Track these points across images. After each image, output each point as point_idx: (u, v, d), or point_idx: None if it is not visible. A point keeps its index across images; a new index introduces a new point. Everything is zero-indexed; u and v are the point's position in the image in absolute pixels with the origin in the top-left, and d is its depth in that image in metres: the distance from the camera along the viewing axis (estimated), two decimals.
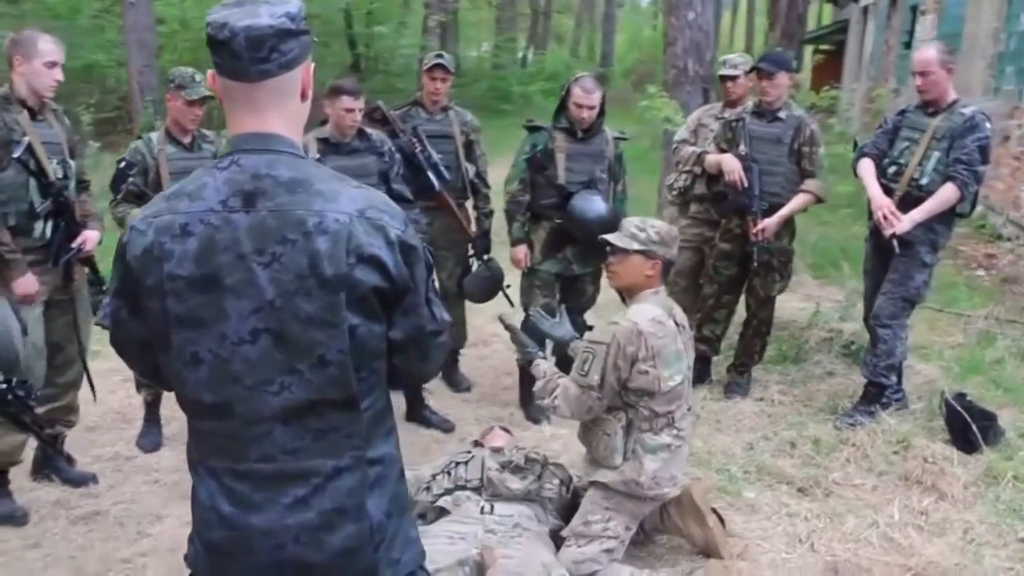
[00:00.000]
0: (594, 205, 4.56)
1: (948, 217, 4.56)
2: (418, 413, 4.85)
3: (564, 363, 3.99)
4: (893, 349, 4.67)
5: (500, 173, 4.88)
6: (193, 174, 1.68)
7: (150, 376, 1.82)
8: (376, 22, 22.08)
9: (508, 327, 3.78)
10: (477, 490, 3.50)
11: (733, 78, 5.36)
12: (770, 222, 4.83)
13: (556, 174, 4.64)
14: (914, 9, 15.26)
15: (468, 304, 5.26)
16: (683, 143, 5.46)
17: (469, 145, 5.10)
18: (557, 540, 3.43)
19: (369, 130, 4.42)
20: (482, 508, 3.38)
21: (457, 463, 3.63)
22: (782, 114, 4.91)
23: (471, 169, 5.08)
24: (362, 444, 1.69)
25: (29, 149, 3.53)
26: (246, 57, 1.58)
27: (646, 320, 3.25)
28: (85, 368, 3.99)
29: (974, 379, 5.26)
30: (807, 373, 5.45)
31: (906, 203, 4.50)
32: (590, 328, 4.58)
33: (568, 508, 3.58)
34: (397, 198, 4.28)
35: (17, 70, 3.58)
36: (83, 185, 4.03)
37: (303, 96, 1.69)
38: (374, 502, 1.70)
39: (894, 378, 4.80)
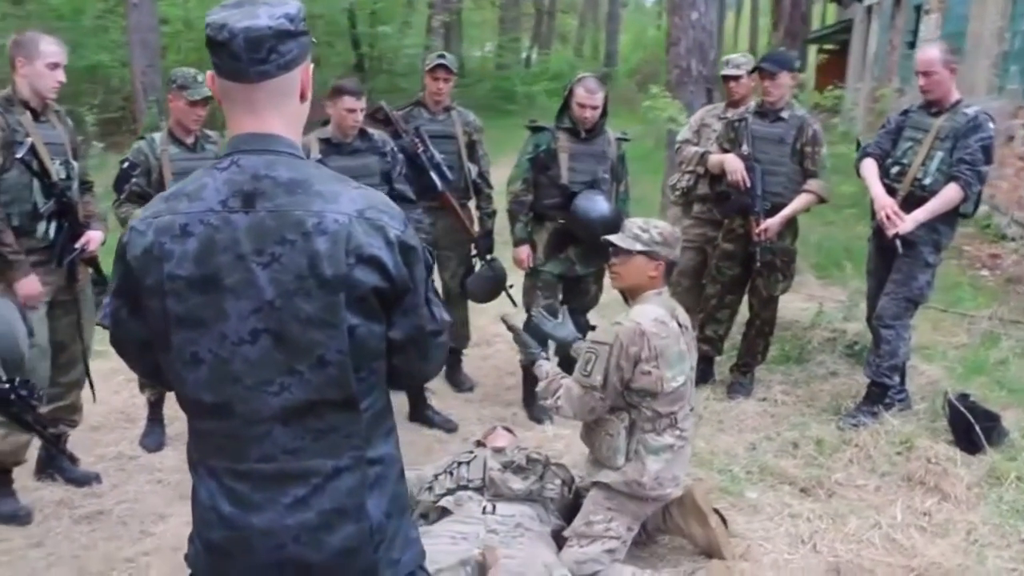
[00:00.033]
0: (597, 205, 4.56)
1: (951, 217, 4.56)
2: (421, 413, 4.85)
3: (567, 364, 3.99)
4: (896, 349, 4.67)
5: (504, 173, 4.88)
6: (193, 175, 1.68)
7: (150, 376, 1.82)
8: (380, 22, 22.07)
9: (511, 328, 3.79)
10: (479, 490, 3.50)
11: (736, 78, 5.36)
12: (772, 222, 4.83)
13: (559, 174, 4.65)
14: (918, 8, 15.22)
15: (471, 304, 5.27)
16: (686, 143, 5.46)
17: (472, 145, 5.10)
18: (559, 540, 3.43)
19: (371, 130, 4.42)
20: (484, 508, 3.38)
21: (459, 463, 3.64)
22: (784, 114, 4.91)
23: (474, 169, 5.09)
24: (362, 444, 1.69)
25: (32, 150, 3.53)
26: (245, 58, 1.58)
27: (649, 321, 3.25)
28: (86, 368, 4.00)
29: (978, 380, 5.24)
30: (810, 373, 5.44)
31: (909, 203, 4.49)
32: (593, 328, 4.59)
33: (570, 508, 3.58)
34: (400, 198, 4.32)
35: (20, 71, 3.59)
36: (86, 186, 4.04)
37: (302, 97, 1.69)
38: (374, 502, 1.71)
39: (897, 378, 4.80)
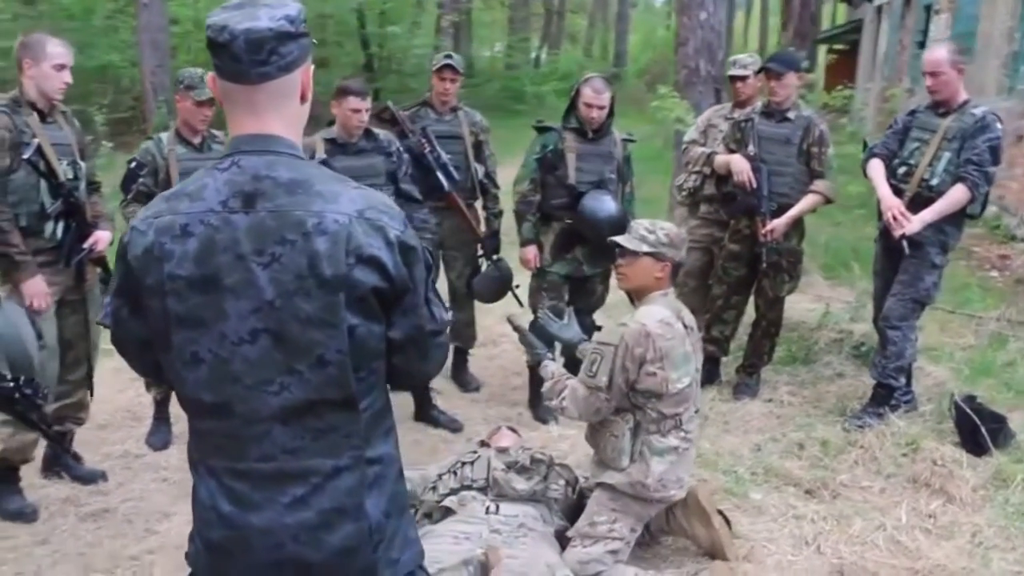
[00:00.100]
0: (605, 205, 4.57)
1: (958, 218, 4.54)
2: (426, 413, 4.86)
3: (572, 364, 4.00)
4: (902, 351, 4.66)
5: (512, 173, 4.88)
6: (194, 175, 1.69)
7: (150, 375, 1.83)
8: (389, 22, 22.08)
9: (517, 328, 3.80)
10: (483, 490, 3.50)
11: (743, 78, 5.34)
12: (779, 223, 4.82)
13: (567, 174, 4.65)
14: (928, 8, 15.17)
15: (477, 304, 5.28)
16: (693, 144, 5.45)
17: (478, 145, 5.11)
18: (563, 541, 3.43)
19: (376, 130, 4.43)
20: (487, 508, 3.38)
21: (463, 463, 3.64)
22: (791, 114, 4.90)
23: (480, 169, 5.10)
24: (361, 444, 1.69)
25: (39, 151, 3.56)
26: (246, 60, 1.59)
27: (654, 322, 3.25)
28: (89, 367, 4.03)
29: (985, 381, 5.23)
30: (816, 374, 5.43)
31: (916, 204, 4.48)
32: (599, 328, 4.59)
33: (574, 509, 3.58)
34: (406, 198, 4.34)
35: (27, 73, 3.61)
36: (94, 186, 4.06)
37: (303, 98, 1.69)
38: (373, 502, 1.71)
39: (903, 380, 4.78)
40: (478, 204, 5.18)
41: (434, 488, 3.58)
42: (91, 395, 4.08)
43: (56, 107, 3.75)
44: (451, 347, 5.20)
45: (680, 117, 7.29)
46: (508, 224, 5.09)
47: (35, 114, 3.64)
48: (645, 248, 3.35)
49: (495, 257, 5.07)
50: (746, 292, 5.25)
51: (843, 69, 19.37)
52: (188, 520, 1.81)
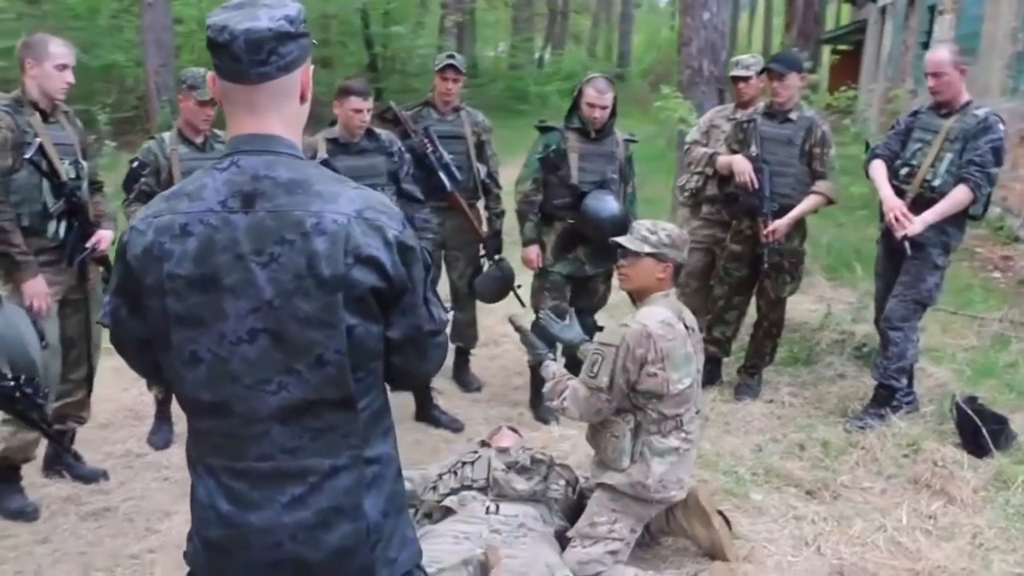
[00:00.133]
0: (607, 205, 4.57)
1: (960, 219, 4.55)
2: (427, 413, 4.87)
3: (574, 365, 4.00)
4: (904, 352, 4.65)
5: (515, 173, 4.89)
6: (193, 175, 1.70)
7: (149, 374, 1.84)
8: (393, 22, 22.11)
9: (518, 329, 3.81)
10: (483, 490, 3.51)
11: (745, 79, 5.34)
12: (780, 223, 4.82)
13: (569, 174, 4.65)
14: (932, 9, 15.15)
15: (479, 304, 5.28)
16: (695, 144, 5.45)
17: (480, 145, 5.12)
18: (563, 541, 3.43)
19: (378, 130, 4.43)
20: (487, 508, 3.39)
21: (463, 463, 3.65)
22: (793, 115, 4.89)
23: (482, 169, 5.10)
24: (359, 443, 1.70)
25: (41, 150, 3.57)
26: (245, 60, 1.59)
27: (655, 322, 3.25)
28: (90, 367, 4.04)
29: (987, 382, 5.22)
30: (818, 375, 5.43)
31: (918, 205, 4.48)
32: (600, 329, 4.59)
33: (574, 509, 3.59)
34: (407, 198, 4.34)
35: (29, 73, 3.62)
36: (96, 186, 4.07)
37: (302, 98, 1.70)
38: (371, 501, 1.71)
39: (904, 381, 4.78)
40: (480, 204, 5.18)
41: (434, 488, 3.59)
42: (89, 393, 4.08)
43: (58, 107, 3.76)
44: (453, 347, 5.24)
45: (683, 117, 7.30)
46: (510, 224, 5.09)
47: (37, 114, 3.64)
48: (647, 249, 3.36)
49: (497, 257, 5.08)
50: (748, 293, 5.25)
51: (847, 70, 19.37)
52: (189, 519, 1.81)
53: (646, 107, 14.23)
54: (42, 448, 3.99)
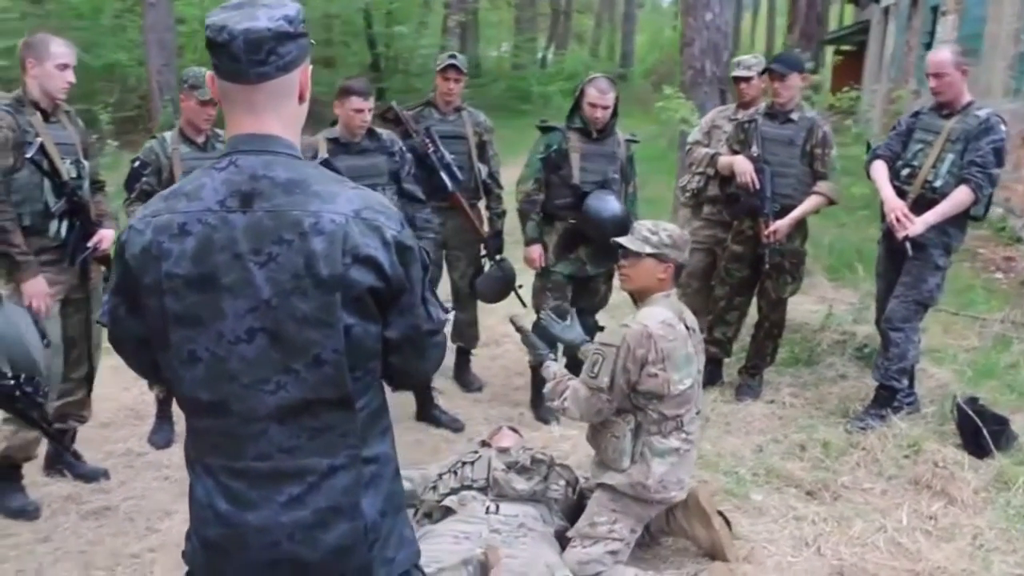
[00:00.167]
0: (609, 205, 4.57)
1: (962, 220, 4.54)
2: (428, 413, 4.87)
3: (574, 365, 4.00)
4: (905, 352, 4.65)
5: (517, 173, 4.89)
6: (192, 174, 1.70)
7: (147, 374, 1.84)
8: (396, 22, 22.14)
9: (519, 329, 3.81)
10: (483, 490, 3.51)
11: (746, 79, 5.35)
12: (782, 224, 4.82)
13: (571, 174, 4.66)
14: (935, 10, 15.14)
15: (480, 304, 5.28)
16: (696, 144, 5.45)
17: (482, 145, 5.12)
18: (563, 541, 3.43)
19: (379, 130, 4.44)
20: (487, 508, 3.39)
21: (464, 463, 3.65)
22: (794, 116, 4.89)
23: (483, 169, 5.10)
24: (357, 443, 1.70)
25: (42, 149, 3.57)
26: (244, 60, 1.60)
27: (656, 323, 3.25)
28: (90, 366, 4.05)
29: (988, 383, 5.22)
30: (819, 376, 5.43)
31: (919, 205, 4.48)
32: (601, 329, 4.60)
33: (574, 509, 3.59)
34: (409, 198, 4.35)
35: (30, 73, 3.62)
36: (98, 185, 4.08)
37: (301, 98, 1.70)
38: (369, 501, 1.72)
39: (906, 382, 4.78)
40: (481, 204, 5.18)
41: (435, 488, 3.59)
42: (90, 392, 4.09)
43: (59, 106, 3.77)
44: (454, 347, 5.25)
45: (685, 118, 7.29)
46: (512, 224, 5.10)
47: (38, 113, 3.65)
48: (648, 249, 3.36)
49: (498, 257, 5.07)
50: (749, 293, 5.25)
51: (850, 70, 19.38)
52: (188, 518, 1.82)
53: (648, 107, 14.23)
54: (43, 447, 3.99)
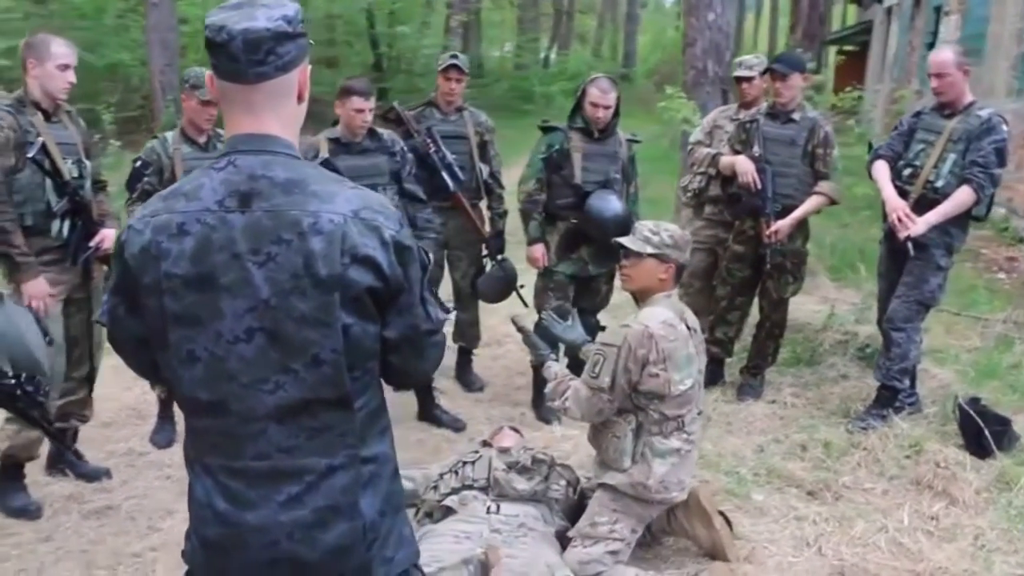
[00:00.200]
0: (611, 204, 4.57)
1: (963, 220, 4.54)
2: (429, 412, 4.87)
3: (576, 365, 4.00)
4: (907, 353, 4.65)
5: (519, 173, 4.90)
6: (191, 174, 1.70)
7: (146, 373, 1.84)
8: (398, 22, 22.13)
9: (520, 329, 3.81)
10: (484, 490, 3.51)
11: (748, 79, 5.35)
12: (783, 224, 4.81)
13: (573, 174, 4.66)
14: (938, 10, 15.12)
15: (482, 304, 5.28)
16: (698, 144, 5.45)
17: (483, 145, 5.12)
18: (563, 541, 3.43)
19: (380, 130, 4.44)
20: (488, 508, 3.39)
21: (464, 462, 3.66)
22: (796, 116, 4.89)
23: (485, 169, 5.10)
24: (356, 443, 1.70)
25: (43, 149, 3.58)
26: (243, 60, 1.60)
27: (657, 323, 3.25)
28: (92, 365, 4.05)
29: (990, 384, 5.21)
30: (821, 376, 5.42)
31: (921, 205, 4.47)
32: (603, 329, 4.59)
33: (575, 509, 3.59)
34: (410, 198, 4.35)
35: (31, 73, 3.63)
36: (99, 185, 4.08)
37: (300, 98, 1.70)
38: (367, 500, 1.72)
39: (907, 382, 4.77)
40: (483, 204, 5.19)
41: (435, 487, 3.59)
42: (90, 392, 4.09)
43: (61, 106, 3.77)
44: (455, 347, 5.26)
45: (687, 118, 7.30)
46: (513, 224, 5.10)
47: (40, 114, 3.66)
48: (649, 249, 3.36)
49: (499, 257, 5.08)
50: (750, 293, 5.25)
51: (852, 70, 19.32)
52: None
53: (650, 107, 14.22)
54: (45, 446, 3.99)
